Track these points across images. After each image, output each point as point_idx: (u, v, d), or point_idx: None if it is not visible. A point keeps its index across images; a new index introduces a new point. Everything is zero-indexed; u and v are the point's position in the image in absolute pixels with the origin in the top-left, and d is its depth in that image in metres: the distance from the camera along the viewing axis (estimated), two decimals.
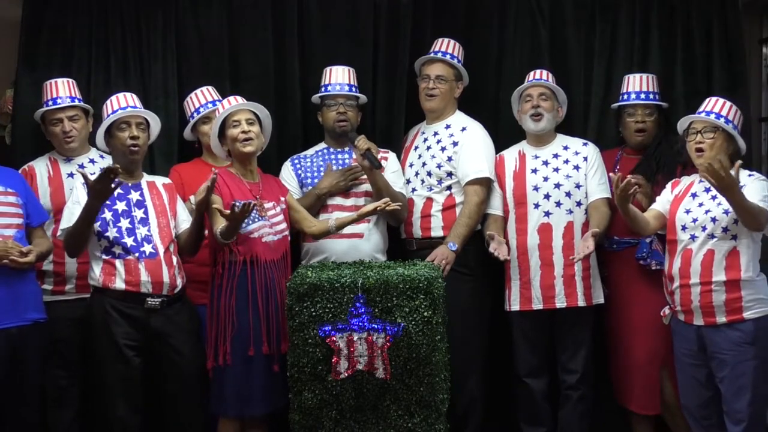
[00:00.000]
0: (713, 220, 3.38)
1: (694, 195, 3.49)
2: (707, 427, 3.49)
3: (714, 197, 3.41)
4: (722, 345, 3.36)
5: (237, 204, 3.29)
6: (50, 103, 3.85)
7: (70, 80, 3.93)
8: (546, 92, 3.89)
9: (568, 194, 3.82)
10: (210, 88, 4.01)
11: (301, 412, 3.32)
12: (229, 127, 3.55)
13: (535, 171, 3.88)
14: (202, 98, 3.96)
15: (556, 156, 3.90)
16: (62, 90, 3.87)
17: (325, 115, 3.94)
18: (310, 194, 3.84)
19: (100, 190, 3.23)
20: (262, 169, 3.71)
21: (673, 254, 3.48)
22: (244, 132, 3.52)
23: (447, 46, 4.05)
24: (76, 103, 3.88)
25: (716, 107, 3.47)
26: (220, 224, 3.37)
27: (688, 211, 3.46)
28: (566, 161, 3.88)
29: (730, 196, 3.21)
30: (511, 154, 3.98)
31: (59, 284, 3.74)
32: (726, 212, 3.35)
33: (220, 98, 3.93)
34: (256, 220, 3.49)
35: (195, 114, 3.94)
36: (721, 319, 3.36)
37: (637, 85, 3.93)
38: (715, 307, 3.36)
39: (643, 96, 3.90)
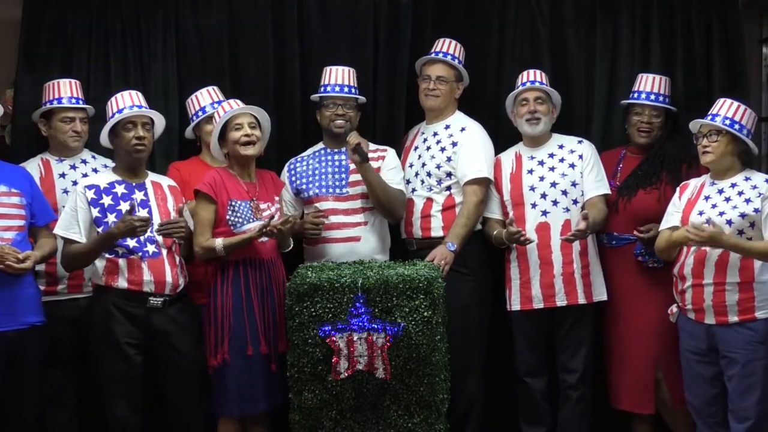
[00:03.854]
0: (729, 222, 3.37)
1: (707, 197, 3.49)
2: (712, 425, 3.49)
3: (728, 199, 3.42)
4: (734, 343, 3.37)
5: (233, 203, 3.35)
6: (63, 101, 3.83)
7: (77, 81, 3.93)
8: (542, 95, 3.88)
9: (565, 192, 3.82)
10: (215, 88, 4.00)
11: (301, 412, 3.33)
12: (230, 130, 3.56)
13: (531, 171, 3.88)
14: (207, 98, 3.94)
15: (551, 155, 3.90)
16: (72, 90, 3.87)
17: (323, 115, 3.93)
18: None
19: (126, 232, 3.29)
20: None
21: (686, 254, 3.47)
22: (246, 135, 3.53)
23: (448, 47, 4.04)
24: (85, 106, 3.89)
25: (723, 109, 3.47)
26: (207, 236, 3.42)
27: (701, 213, 3.45)
28: (561, 160, 3.88)
29: (720, 246, 3.30)
30: (507, 157, 3.98)
31: (51, 284, 3.70)
32: (742, 215, 3.36)
33: (225, 99, 3.93)
34: (251, 220, 3.51)
35: (200, 113, 3.92)
36: (733, 318, 3.37)
37: (649, 85, 3.91)
38: (727, 307, 3.37)
39: (653, 97, 3.88)
